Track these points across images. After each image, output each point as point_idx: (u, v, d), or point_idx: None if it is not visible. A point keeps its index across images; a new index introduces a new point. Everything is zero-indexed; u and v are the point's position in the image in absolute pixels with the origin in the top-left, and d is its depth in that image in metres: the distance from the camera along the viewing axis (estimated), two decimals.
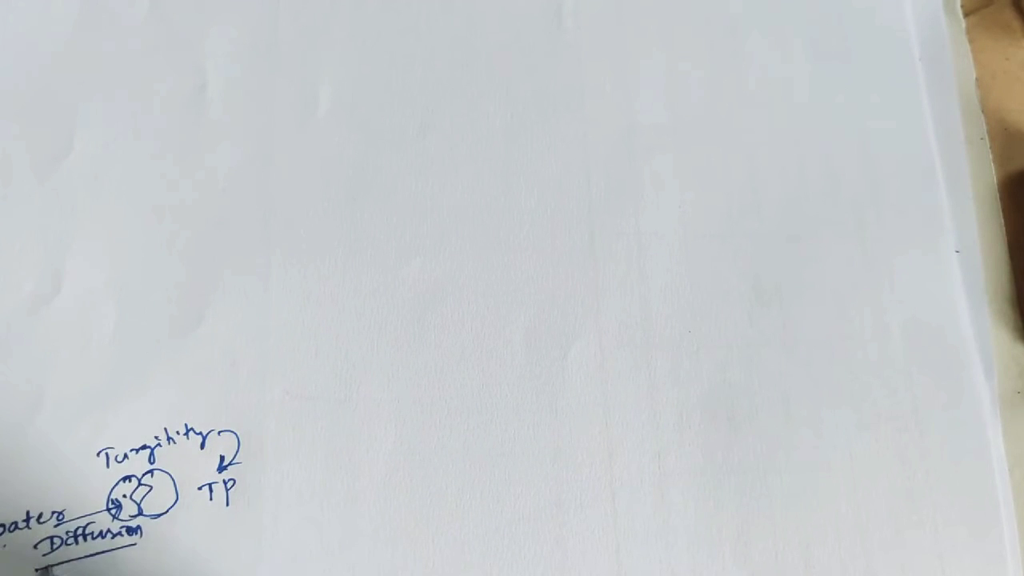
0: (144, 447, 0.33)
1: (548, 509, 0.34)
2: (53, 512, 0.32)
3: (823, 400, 0.36)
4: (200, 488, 0.33)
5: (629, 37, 0.40)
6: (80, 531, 0.32)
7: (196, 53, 0.38)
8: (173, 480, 0.33)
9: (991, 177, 0.39)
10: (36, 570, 0.32)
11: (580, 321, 0.36)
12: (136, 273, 0.35)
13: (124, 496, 0.33)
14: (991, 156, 0.39)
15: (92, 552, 0.32)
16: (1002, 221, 0.39)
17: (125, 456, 0.33)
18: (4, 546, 0.32)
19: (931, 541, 0.34)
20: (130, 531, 0.33)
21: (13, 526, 0.32)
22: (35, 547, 0.32)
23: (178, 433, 0.34)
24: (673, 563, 0.34)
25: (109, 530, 0.33)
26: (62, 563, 0.32)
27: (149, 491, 0.33)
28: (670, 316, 0.36)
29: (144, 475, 0.33)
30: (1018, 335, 0.37)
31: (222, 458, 0.34)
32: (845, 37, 0.41)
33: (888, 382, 0.36)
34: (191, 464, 0.33)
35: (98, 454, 0.33)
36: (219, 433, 0.34)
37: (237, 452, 0.34)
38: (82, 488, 0.33)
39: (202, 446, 0.34)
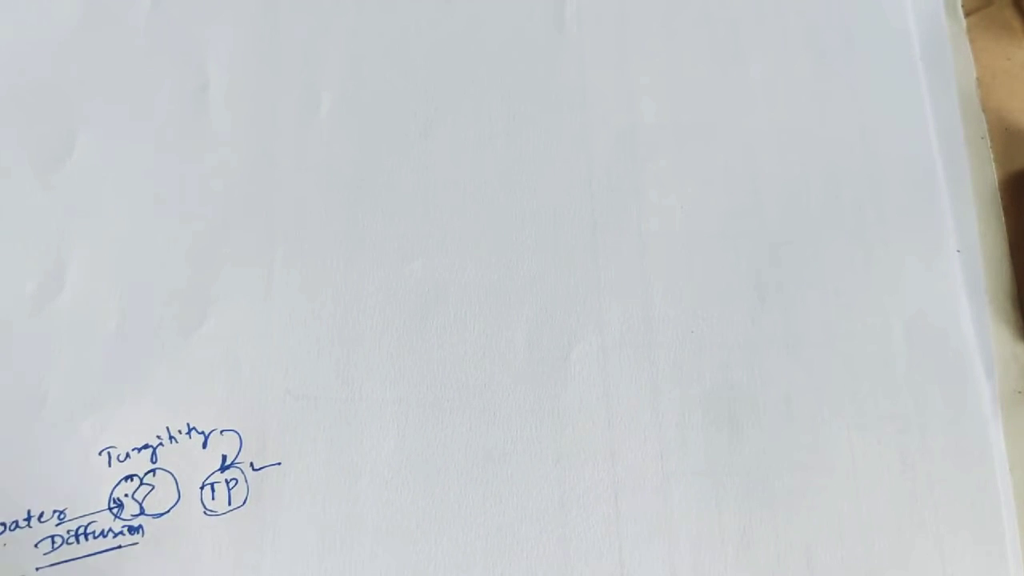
0: (146, 446, 0.33)
1: (551, 509, 0.34)
2: (54, 511, 0.32)
3: (825, 400, 0.36)
4: (202, 487, 0.33)
5: (630, 38, 0.40)
6: (81, 530, 0.32)
7: (198, 53, 0.38)
8: (175, 479, 0.33)
9: (992, 177, 0.39)
10: None
11: (582, 321, 0.36)
12: (138, 273, 0.35)
13: (126, 495, 0.33)
14: (992, 156, 0.40)
15: (94, 551, 0.32)
16: (1003, 221, 0.39)
17: (127, 455, 0.33)
18: (5, 545, 0.32)
19: (932, 541, 0.34)
20: (132, 530, 0.33)
21: (14, 525, 0.32)
22: (36, 546, 0.32)
23: (180, 432, 0.34)
24: (675, 563, 0.34)
25: (111, 529, 0.32)
26: (63, 562, 0.32)
27: (151, 490, 0.33)
28: (672, 316, 0.36)
29: (146, 474, 0.33)
30: (1019, 334, 0.37)
31: (224, 457, 0.34)
32: (846, 37, 0.41)
33: (889, 382, 0.36)
34: (193, 463, 0.33)
35: (100, 453, 0.33)
36: (221, 432, 0.34)
37: (239, 451, 0.34)
38: (84, 487, 0.33)
39: (204, 445, 0.34)
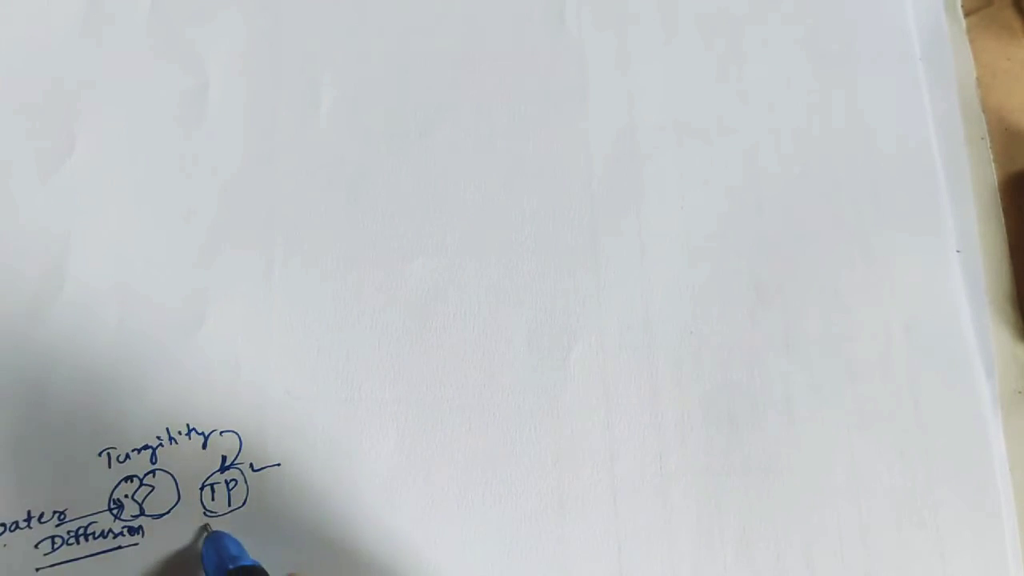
0: (146, 447, 0.33)
1: (550, 510, 0.34)
2: (55, 512, 0.32)
3: (824, 400, 0.36)
4: (202, 488, 0.33)
5: (630, 38, 0.40)
6: (82, 531, 0.32)
7: (197, 52, 0.38)
8: (175, 480, 0.33)
9: (992, 177, 0.39)
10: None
11: (582, 321, 0.36)
12: (138, 273, 0.35)
13: (126, 496, 0.33)
14: (991, 156, 0.40)
15: (93, 552, 0.32)
16: (1003, 221, 0.39)
17: (127, 456, 0.33)
18: (5, 545, 0.32)
19: (932, 541, 0.34)
20: (132, 531, 0.33)
21: (14, 525, 0.32)
22: (36, 547, 0.32)
23: (180, 433, 0.34)
24: (675, 564, 0.34)
25: (111, 530, 0.32)
26: (63, 563, 0.32)
27: (151, 491, 0.33)
28: (671, 317, 0.36)
29: (146, 475, 0.33)
30: (1019, 334, 0.37)
31: (224, 458, 0.34)
32: (845, 37, 0.41)
33: (889, 382, 0.36)
34: (193, 464, 0.33)
35: (100, 454, 0.33)
36: (221, 433, 0.34)
37: (239, 452, 0.34)
38: (84, 488, 0.33)
39: (204, 446, 0.34)
